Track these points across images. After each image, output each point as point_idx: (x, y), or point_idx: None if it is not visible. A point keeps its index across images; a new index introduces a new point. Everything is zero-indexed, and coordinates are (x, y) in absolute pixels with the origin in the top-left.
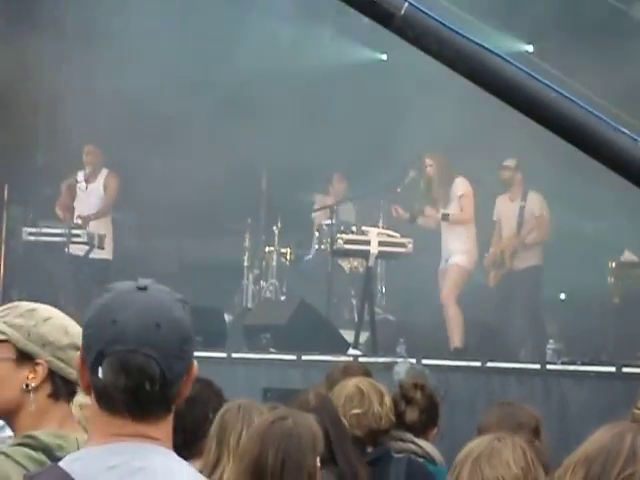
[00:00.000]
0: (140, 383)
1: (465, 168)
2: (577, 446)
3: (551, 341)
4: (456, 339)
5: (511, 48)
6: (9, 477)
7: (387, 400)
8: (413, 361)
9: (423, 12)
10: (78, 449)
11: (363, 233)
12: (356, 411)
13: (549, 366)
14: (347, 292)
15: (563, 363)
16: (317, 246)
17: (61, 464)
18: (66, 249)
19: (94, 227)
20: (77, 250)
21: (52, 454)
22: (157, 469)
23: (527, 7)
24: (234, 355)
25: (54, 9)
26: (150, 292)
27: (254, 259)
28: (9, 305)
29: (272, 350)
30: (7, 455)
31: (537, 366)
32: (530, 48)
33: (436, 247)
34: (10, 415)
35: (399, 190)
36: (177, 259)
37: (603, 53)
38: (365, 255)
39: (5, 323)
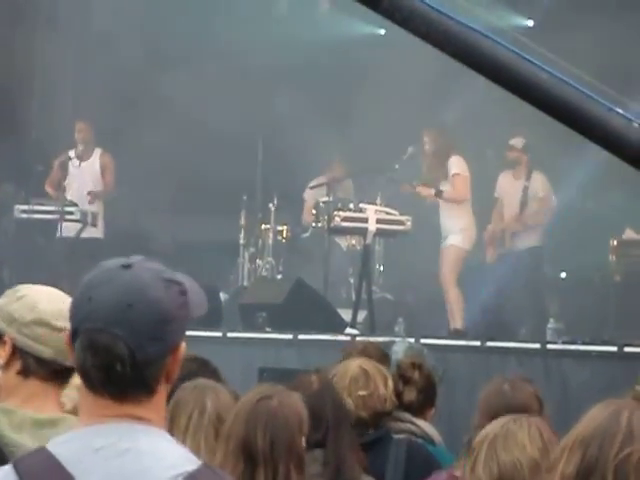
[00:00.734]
0: (108, 363)
1: (466, 144)
2: None
3: (551, 320)
4: (457, 321)
5: (511, 23)
6: None
7: (390, 382)
8: (411, 340)
9: None
10: (21, 426)
11: (361, 210)
12: (362, 393)
13: (549, 346)
14: (345, 270)
15: (564, 343)
16: (314, 224)
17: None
18: (58, 227)
19: (87, 205)
20: (69, 228)
21: None
22: (144, 450)
23: None
24: (230, 334)
25: None
26: (133, 270)
27: (250, 237)
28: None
29: (268, 329)
30: None
31: (537, 346)
32: (530, 23)
33: (435, 225)
34: None
35: (397, 167)
36: (172, 237)
37: (603, 28)
38: (363, 233)
39: None
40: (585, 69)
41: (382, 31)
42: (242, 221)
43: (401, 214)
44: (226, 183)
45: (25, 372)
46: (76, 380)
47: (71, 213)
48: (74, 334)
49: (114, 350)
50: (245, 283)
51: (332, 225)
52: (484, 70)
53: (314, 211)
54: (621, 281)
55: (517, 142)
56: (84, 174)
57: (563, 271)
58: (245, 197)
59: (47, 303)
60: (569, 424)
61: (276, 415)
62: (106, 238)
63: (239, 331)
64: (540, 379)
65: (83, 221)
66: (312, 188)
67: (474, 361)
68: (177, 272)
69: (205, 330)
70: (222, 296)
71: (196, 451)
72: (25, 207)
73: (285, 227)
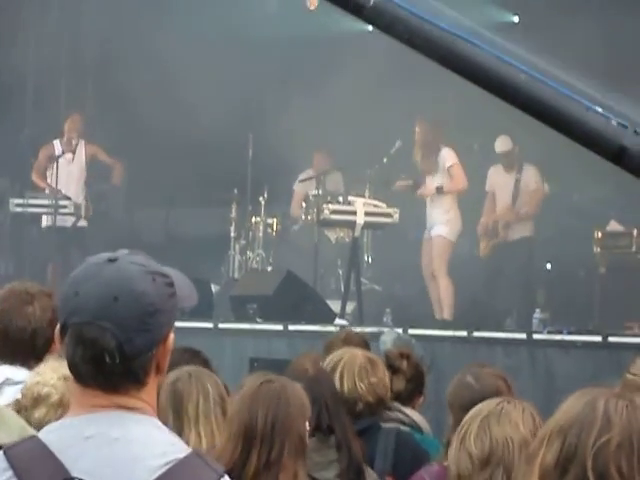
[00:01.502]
0: (97, 355)
1: (453, 138)
2: None
3: (537, 310)
4: (445, 312)
5: (497, 18)
6: None
7: (386, 372)
8: (399, 331)
9: (392, 2)
10: None
11: (349, 203)
12: (373, 379)
13: (535, 336)
14: (334, 262)
15: (549, 332)
16: (303, 217)
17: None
18: (46, 219)
19: (74, 196)
20: (61, 221)
21: None
22: (134, 438)
23: None
24: (221, 325)
25: None
26: (119, 264)
27: (240, 230)
28: None
29: (259, 320)
30: None
31: (523, 335)
32: (515, 19)
33: (422, 217)
34: None
35: (385, 160)
36: (164, 229)
37: (588, 25)
38: (351, 225)
39: None
40: (570, 65)
41: (370, 27)
42: (233, 214)
43: (388, 206)
44: (217, 176)
45: None
46: (64, 371)
47: (65, 207)
48: (62, 328)
49: (102, 342)
50: (236, 275)
51: (321, 218)
52: (466, 73)
53: (304, 204)
54: (605, 272)
55: (502, 145)
56: (71, 165)
57: (549, 262)
58: (236, 190)
59: None
60: (554, 412)
61: (279, 397)
62: (97, 230)
63: (230, 322)
64: (526, 368)
65: (77, 214)
66: (301, 181)
67: (461, 351)
68: (166, 265)
69: (197, 321)
70: (213, 288)
71: (210, 434)
72: (20, 201)
73: (275, 220)
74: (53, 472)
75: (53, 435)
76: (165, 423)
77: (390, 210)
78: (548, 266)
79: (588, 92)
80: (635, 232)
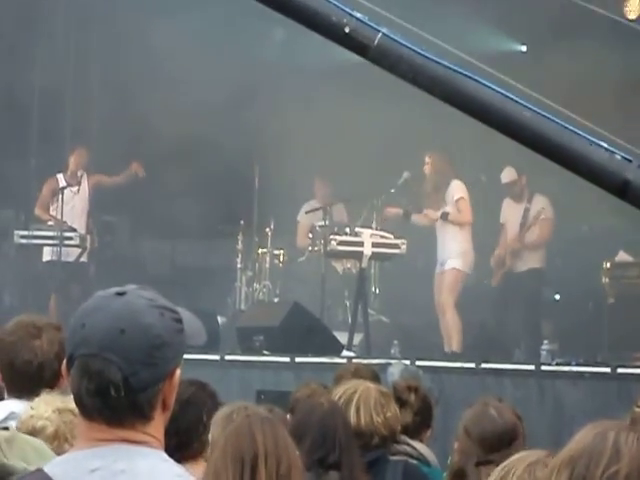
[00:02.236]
0: (102, 388)
1: (462, 169)
2: None
3: (545, 342)
4: (454, 344)
5: (504, 48)
6: None
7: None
8: (407, 362)
9: (396, 42)
10: None
11: (356, 234)
12: (388, 414)
13: (543, 367)
14: (341, 293)
15: (557, 364)
16: (310, 248)
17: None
18: (47, 253)
19: (79, 228)
20: (68, 253)
21: None
22: (140, 471)
23: (521, 8)
24: (227, 357)
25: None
26: (127, 297)
27: (247, 261)
28: None
29: (265, 352)
30: None
31: (532, 367)
32: (523, 48)
33: (430, 248)
34: None
35: (393, 191)
36: (170, 261)
37: (595, 54)
38: (359, 256)
39: None
40: (576, 93)
41: None
42: (239, 245)
43: (396, 237)
44: (223, 208)
45: None
46: (58, 404)
47: (70, 238)
48: (69, 360)
49: (107, 375)
50: (242, 306)
51: (328, 249)
52: (471, 111)
53: (310, 235)
54: (614, 303)
55: (507, 176)
56: (75, 197)
57: (557, 293)
58: (242, 222)
59: None
60: (562, 444)
61: (271, 422)
62: (102, 262)
63: (237, 354)
64: (534, 400)
65: (82, 246)
66: (308, 213)
67: (469, 382)
68: (173, 297)
69: (203, 353)
70: (220, 319)
71: None
72: (24, 232)
73: (282, 251)
74: None
75: (58, 469)
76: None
77: (397, 241)
78: (557, 297)
79: (593, 128)
80: None
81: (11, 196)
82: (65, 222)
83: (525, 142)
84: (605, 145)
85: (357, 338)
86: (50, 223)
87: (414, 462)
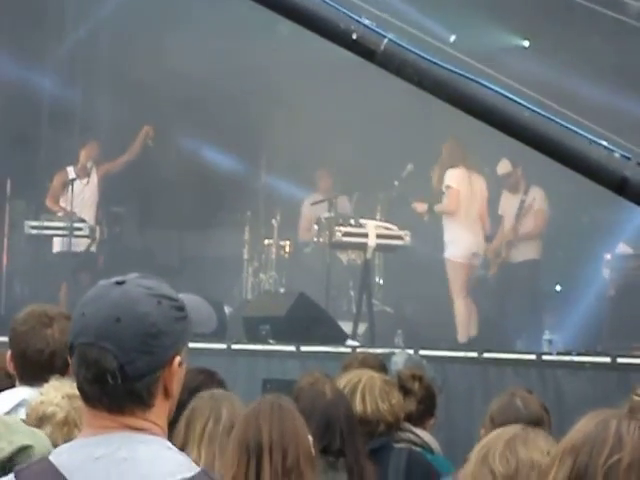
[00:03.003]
0: (99, 376)
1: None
2: None
3: (547, 332)
4: (460, 334)
5: (507, 43)
6: None
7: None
8: (410, 352)
9: (402, 47)
10: None
11: (361, 226)
12: (393, 401)
13: (545, 357)
14: (345, 284)
15: (558, 354)
16: (315, 239)
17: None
18: (57, 244)
19: (89, 220)
20: (77, 244)
21: None
22: (142, 458)
23: (523, 2)
24: (234, 346)
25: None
26: (126, 286)
27: (253, 252)
28: None
29: (271, 341)
30: None
31: (533, 357)
32: (526, 43)
33: (433, 239)
34: None
35: (397, 183)
36: (177, 252)
37: (598, 48)
38: (363, 247)
39: None
40: (580, 88)
41: None
42: (246, 236)
43: (400, 229)
44: (230, 199)
45: None
46: (67, 390)
47: (80, 229)
48: (70, 349)
49: (104, 363)
50: (249, 297)
51: (333, 240)
52: (473, 112)
53: (315, 226)
54: (615, 294)
55: (502, 168)
56: (85, 189)
57: (558, 284)
58: (249, 213)
59: None
60: (564, 433)
61: (280, 408)
62: (111, 253)
63: (243, 343)
64: (536, 389)
65: (92, 237)
66: (313, 205)
67: (471, 372)
68: (179, 286)
69: (210, 342)
70: (226, 309)
71: (211, 459)
72: (35, 223)
73: (288, 242)
74: None
75: (63, 457)
76: (177, 435)
77: (401, 232)
78: (558, 288)
79: (591, 126)
80: None
81: (22, 187)
82: (75, 213)
83: (526, 141)
84: (604, 143)
85: (361, 328)
86: (60, 214)
87: (418, 449)
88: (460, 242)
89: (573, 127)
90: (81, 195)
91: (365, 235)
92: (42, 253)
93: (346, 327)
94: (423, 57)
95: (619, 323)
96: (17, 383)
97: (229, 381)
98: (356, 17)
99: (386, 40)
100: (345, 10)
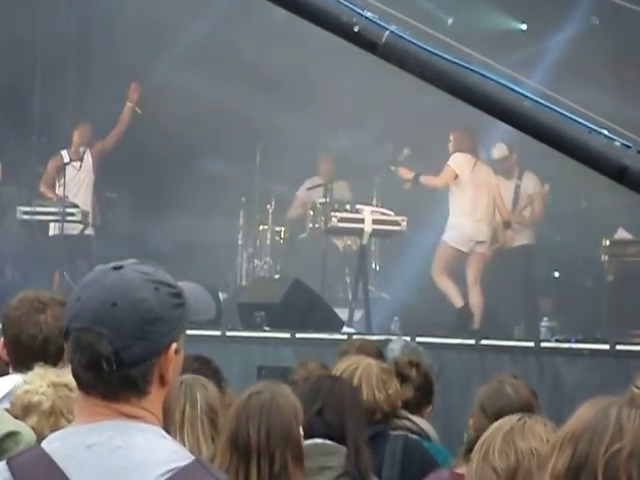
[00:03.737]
0: (94, 361)
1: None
2: None
3: (545, 319)
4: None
5: (504, 26)
6: None
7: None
8: (407, 339)
9: (403, 38)
10: None
11: (357, 211)
12: (390, 390)
13: (543, 344)
14: (341, 270)
15: (557, 341)
16: (311, 224)
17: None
18: (53, 227)
19: (83, 204)
20: (69, 229)
21: None
22: (136, 446)
23: None
24: (228, 333)
25: None
26: (123, 271)
27: (248, 238)
28: None
29: (266, 328)
30: None
31: (531, 344)
32: (523, 26)
33: (430, 224)
34: None
35: (393, 168)
36: (171, 237)
37: (596, 32)
38: (359, 233)
39: None
40: (578, 72)
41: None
42: (240, 222)
43: (396, 215)
44: (225, 185)
45: None
46: (52, 377)
47: (72, 214)
48: (66, 334)
49: (98, 349)
50: (244, 283)
51: (329, 226)
52: (474, 102)
53: (311, 212)
54: (613, 280)
55: (498, 152)
56: (79, 172)
57: (556, 270)
58: (243, 199)
59: None
60: (562, 421)
61: (270, 406)
62: (104, 238)
63: (238, 330)
64: (534, 377)
65: (84, 222)
66: (309, 189)
67: (469, 359)
68: (175, 272)
69: (204, 329)
70: (221, 295)
71: (196, 443)
72: (27, 208)
73: (283, 228)
74: None
75: (55, 444)
76: None
77: (398, 218)
78: (556, 274)
79: (592, 116)
80: None
81: (14, 172)
82: (67, 198)
83: (527, 130)
84: (605, 132)
85: (357, 314)
86: (53, 199)
87: (414, 437)
88: (457, 228)
89: (573, 116)
90: (76, 178)
91: (361, 221)
92: (35, 239)
93: (342, 314)
94: (424, 48)
95: (618, 310)
96: (10, 370)
97: (224, 368)
98: (359, 10)
99: (387, 32)
100: (347, 2)
